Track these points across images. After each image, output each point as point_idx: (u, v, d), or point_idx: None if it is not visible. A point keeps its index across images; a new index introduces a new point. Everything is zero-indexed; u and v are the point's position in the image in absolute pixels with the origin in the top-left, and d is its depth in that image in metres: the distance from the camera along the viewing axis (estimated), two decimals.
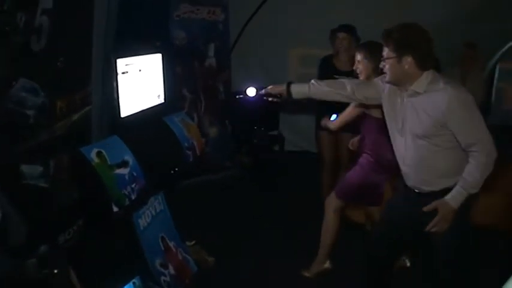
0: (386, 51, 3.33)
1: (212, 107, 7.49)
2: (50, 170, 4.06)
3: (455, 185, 3.30)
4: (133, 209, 4.07)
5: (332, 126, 4.81)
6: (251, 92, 4.11)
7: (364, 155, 4.51)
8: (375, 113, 4.26)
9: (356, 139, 4.88)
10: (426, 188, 3.44)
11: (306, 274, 4.83)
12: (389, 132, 3.60)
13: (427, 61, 3.28)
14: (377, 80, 3.72)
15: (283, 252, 5.22)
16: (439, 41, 5.66)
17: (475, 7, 7.17)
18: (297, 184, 7.04)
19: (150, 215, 4.40)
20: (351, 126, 4.78)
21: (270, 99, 3.99)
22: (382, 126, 3.86)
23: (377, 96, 3.67)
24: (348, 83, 3.79)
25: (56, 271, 3.32)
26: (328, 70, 5.91)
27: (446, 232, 3.37)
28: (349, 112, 4.61)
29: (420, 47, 3.24)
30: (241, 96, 4.20)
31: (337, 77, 5.68)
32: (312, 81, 3.84)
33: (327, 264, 4.83)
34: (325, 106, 5.78)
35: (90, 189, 3.74)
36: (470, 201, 3.33)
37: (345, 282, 4.65)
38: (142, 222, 4.29)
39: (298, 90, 3.86)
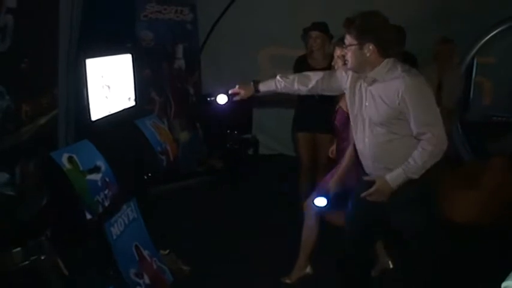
0: (348, 39, 3.40)
1: (182, 111, 7.43)
2: (16, 177, 3.99)
3: None
4: (106, 217, 4.00)
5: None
6: (222, 99, 4.11)
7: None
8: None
9: (334, 147, 4.87)
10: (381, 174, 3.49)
11: (287, 281, 4.78)
12: (351, 121, 3.68)
13: (389, 48, 3.36)
14: (340, 71, 3.84)
15: (262, 258, 5.16)
16: (414, 37, 5.78)
17: (450, 2, 7.24)
18: (273, 188, 7.02)
19: (122, 223, 4.32)
20: (329, 127, 4.76)
21: (236, 98, 4.05)
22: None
23: (340, 86, 3.78)
24: (313, 76, 3.92)
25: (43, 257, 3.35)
26: (303, 70, 5.91)
27: (409, 221, 3.49)
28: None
29: (382, 35, 3.32)
30: (212, 99, 4.19)
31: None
32: (278, 77, 3.94)
33: (308, 270, 4.80)
34: (304, 106, 5.82)
35: (61, 196, 3.67)
36: (428, 189, 3.46)
37: (326, 287, 4.63)
38: (115, 230, 4.21)
39: (266, 88, 3.99)
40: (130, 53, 4.82)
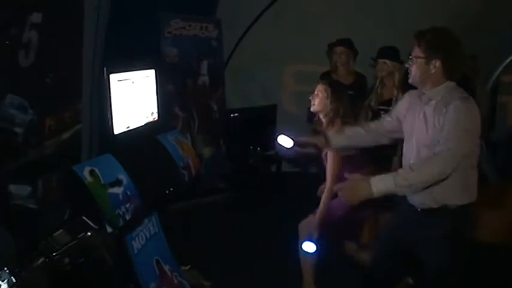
0: (416, 51, 3.33)
1: (206, 126, 7.47)
2: (38, 190, 4.04)
3: (456, 204, 3.31)
4: (127, 230, 4.03)
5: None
6: (286, 142, 4.03)
7: None
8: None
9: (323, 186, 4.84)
10: (427, 203, 3.40)
11: None
12: (404, 146, 3.59)
13: (455, 70, 3.31)
14: (386, 116, 3.82)
15: (282, 276, 5.16)
16: None
17: (475, 20, 7.22)
18: (295, 206, 6.96)
19: (144, 237, 4.35)
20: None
21: (305, 148, 4.00)
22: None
23: (396, 123, 3.68)
24: (367, 127, 3.89)
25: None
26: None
27: (435, 257, 3.41)
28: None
29: (451, 54, 3.27)
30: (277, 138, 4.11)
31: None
32: (346, 130, 3.91)
33: None
34: None
35: (82, 209, 3.70)
36: (463, 223, 3.36)
37: None
38: (136, 244, 4.24)
39: (337, 139, 3.91)
40: (153, 69, 4.87)
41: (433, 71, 3.28)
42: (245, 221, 6.60)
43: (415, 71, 3.36)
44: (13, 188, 3.70)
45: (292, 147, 4.04)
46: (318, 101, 4.44)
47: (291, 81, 8.57)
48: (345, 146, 3.95)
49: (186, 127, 7.18)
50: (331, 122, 4.40)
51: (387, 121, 3.78)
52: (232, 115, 7.71)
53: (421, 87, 3.41)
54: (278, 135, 4.07)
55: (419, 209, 3.46)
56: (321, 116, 4.50)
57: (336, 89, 4.45)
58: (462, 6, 7.07)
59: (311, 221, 4.55)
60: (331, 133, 3.92)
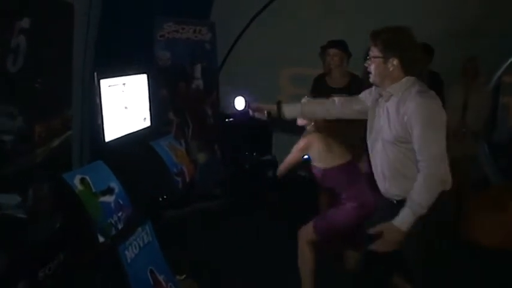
0: (373, 51, 3.43)
1: (200, 132, 7.44)
2: (28, 199, 4.01)
3: None
4: (120, 240, 4.01)
5: (278, 172, 4.80)
6: (240, 103, 4.08)
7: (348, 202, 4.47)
8: (322, 164, 4.41)
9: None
10: (401, 194, 3.44)
11: None
12: (368, 145, 3.69)
13: (413, 66, 3.40)
14: (362, 95, 3.88)
15: (280, 282, 5.14)
16: (441, 56, 5.77)
17: (476, 21, 7.22)
18: (292, 211, 6.97)
19: (137, 246, 4.32)
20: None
21: (257, 115, 4.03)
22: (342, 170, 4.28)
23: (364, 108, 3.80)
24: (337, 100, 3.99)
25: None
26: (321, 89, 5.94)
27: (408, 247, 3.40)
28: (293, 156, 4.65)
29: (407, 51, 3.36)
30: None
31: (333, 95, 5.74)
32: (303, 99, 4.04)
33: None
34: None
35: (73, 219, 3.68)
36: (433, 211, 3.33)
37: None
38: (129, 254, 4.21)
39: (290, 109, 4.05)
40: (146, 73, 4.85)
41: (391, 69, 3.38)
42: (241, 228, 6.58)
43: (374, 70, 3.46)
44: (1, 198, 3.66)
45: (244, 109, 4.07)
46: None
47: (288, 84, 8.55)
48: (298, 116, 4.13)
49: (180, 132, 7.15)
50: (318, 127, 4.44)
51: (358, 100, 3.89)
52: (227, 120, 7.69)
53: (382, 85, 3.49)
54: (236, 97, 4.11)
55: (395, 201, 3.52)
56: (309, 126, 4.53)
57: None
58: (463, 7, 7.07)
59: (309, 230, 4.55)
60: (285, 104, 4.04)
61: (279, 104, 4.02)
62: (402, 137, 3.33)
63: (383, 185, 3.59)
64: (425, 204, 3.22)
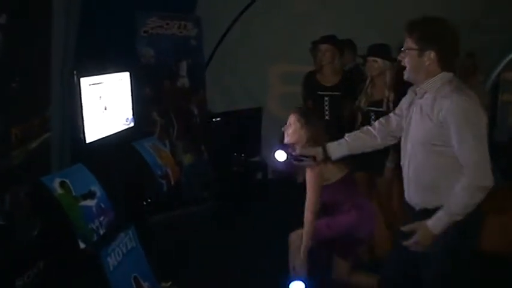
0: (408, 42, 3.31)
1: (186, 132, 7.46)
2: (5, 204, 4.01)
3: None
4: (102, 245, 4.01)
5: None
6: (281, 156, 4.01)
7: (350, 210, 4.45)
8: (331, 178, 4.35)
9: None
10: (420, 204, 3.41)
11: None
12: (401, 146, 3.58)
13: (450, 60, 3.28)
14: (399, 107, 3.73)
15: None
16: None
17: (475, 17, 7.27)
18: (282, 215, 6.96)
19: (120, 252, 4.33)
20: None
21: (301, 161, 3.95)
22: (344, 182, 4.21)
23: (400, 124, 3.66)
24: (373, 127, 3.85)
25: None
26: (312, 87, 5.97)
27: (434, 263, 3.35)
28: (314, 195, 4.40)
29: (445, 43, 3.24)
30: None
31: (320, 93, 5.76)
32: (346, 137, 3.88)
33: None
34: None
35: (53, 224, 3.69)
36: (466, 227, 3.25)
37: None
38: (112, 261, 4.21)
39: (337, 150, 3.88)
40: (128, 71, 4.86)
41: (427, 63, 3.25)
42: (229, 232, 6.60)
43: (408, 64, 3.34)
44: None
45: (286, 160, 4.01)
46: (291, 131, 4.44)
47: (277, 82, 8.59)
48: (347, 155, 3.89)
49: (165, 133, 7.17)
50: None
51: (394, 118, 3.74)
52: (214, 119, 7.71)
53: (416, 81, 3.38)
54: (275, 151, 4.05)
55: (417, 209, 3.45)
56: (297, 146, 4.50)
57: (309, 117, 4.45)
58: (462, 4, 7.13)
59: (300, 236, 4.55)
60: (330, 144, 3.89)
61: (324, 147, 3.88)
62: (435, 138, 3.22)
63: (407, 190, 3.50)
64: (460, 212, 3.15)
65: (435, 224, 3.20)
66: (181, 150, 7.38)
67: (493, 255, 5.44)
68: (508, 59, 7.76)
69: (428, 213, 3.30)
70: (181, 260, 5.63)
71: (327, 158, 3.89)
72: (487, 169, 3.14)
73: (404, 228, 3.36)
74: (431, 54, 3.23)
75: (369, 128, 3.88)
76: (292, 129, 4.43)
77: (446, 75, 3.26)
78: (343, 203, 4.46)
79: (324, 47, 5.89)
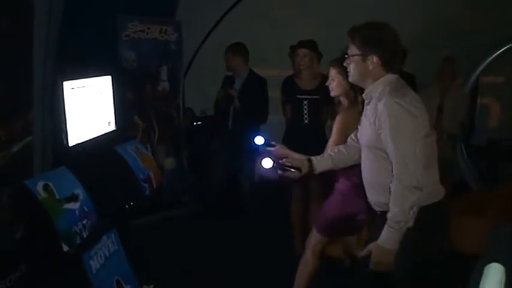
0: (351, 49, 3.36)
1: (167, 136, 7.46)
2: None
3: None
4: (85, 248, 4.01)
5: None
6: (267, 163, 4.00)
7: (341, 179, 4.52)
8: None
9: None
10: (377, 205, 3.45)
11: None
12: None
13: (393, 63, 3.32)
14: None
15: None
16: (418, 56, 5.86)
17: (455, 21, 7.35)
18: (265, 219, 7.00)
19: (103, 255, 4.33)
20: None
21: (286, 171, 3.93)
22: None
23: None
24: (347, 144, 3.87)
25: None
26: (291, 91, 6.02)
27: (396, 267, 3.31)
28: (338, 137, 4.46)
29: (387, 47, 3.27)
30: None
31: (299, 97, 5.80)
32: (329, 151, 3.93)
33: None
34: (291, 129, 5.88)
35: (36, 227, 3.68)
36: (426, 227, 3.27)
37: None
38: (95, 263, 4.21)
39: (322, 164, 3.87)
40: (110, 75, 4.85)
41: (371, 67, 3.29)
42: (211, 237, 6.60)
43: (353, 69, 3.38)
44: None
45: (272, 167, 4.00)
46: (336, 84, 4.47)
47: None
48: (330, 169, 3.90)
49: (146, 137, 7.17)
50: (354, 101, 4.42)
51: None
52: (195, 123, 7.71)
53: (363, 86, 3.43)
54: (262, 158, 4.04)
55: (378, 212, 3.48)
56: (341, 98, 4.53)
57: None
58: (442, 8, 7.20)
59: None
60: (314, 158, 3.86)
61: (309, 161, 3.84)
62: (376, 142, 3.26)
63: (366, 191, 3.54)
64: (398, 219, 3.14)
65: (385, 239, 3.21)
66: (162, 154, 7.38)
67: (471, 256, 5.49)
68: (486, 62, 7.83)
69: (384, 215, 3.30)
70: (162, 262, 5.63)
71: (312, 171, 3.87)
72: (415, 171, 3.13)
73: (361, 254, 3.39)
74: (374, 59, 3.27)
75: (351, 142, 3.87)
76: (336, 82, 4.45)
77: (389, 77, 3.31)
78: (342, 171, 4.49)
79: (302, 51, 5.92)
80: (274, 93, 6.49)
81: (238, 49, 6.78)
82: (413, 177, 3.13)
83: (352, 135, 3.85)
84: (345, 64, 3.47)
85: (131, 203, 4.58)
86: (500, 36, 7.66)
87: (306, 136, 5.72)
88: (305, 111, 5.94)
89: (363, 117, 3.50)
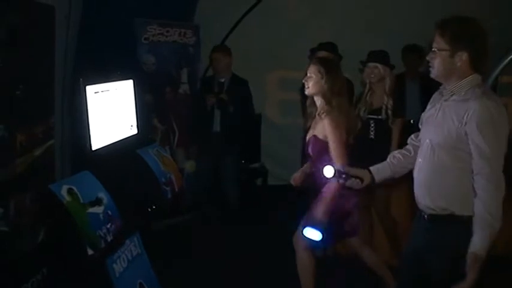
0: (439, 43, 3.19)
1: (187, 138, 7.43)
2: (10, 211, 3.99)
3: (460, 212, 3.14)
4: (109, 252, 3.99)
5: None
6: (329, 172, 3.94)
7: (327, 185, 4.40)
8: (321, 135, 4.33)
9: (298, 174, 4.84)
10: (430, 209, 3.28)
11: None
12: (420, 146, 3.47)
13: (482, 61, 3.18)
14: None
15: None
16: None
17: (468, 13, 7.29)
18: (283, 221, 6.94)
19: (126, 259, 4.32)
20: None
21: (348, 184, 3.86)
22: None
23: None
24: (409, 145, 3.73)
25: None
26: None
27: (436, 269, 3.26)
28: (340, 143, 4.36)
29: (478, 44, 3.14)
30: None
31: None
32: (389, 158, 3.74)
33: None
34: None
35: (60, 231, 3.67)
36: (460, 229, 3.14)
37: None
38: (118, 267, 4.20)
39: (381, 173, 3.72)
40: (131, 79, 4.83)
41: (458, 64, 3.13)
42: (232, 238, 6.57)
43: (438, 65, 3.20)
44: None
45: (333, 177, 3.92)
46: (312, 83, 4.40)
47: (275, 88, 8.57)
48: (389, 177, 3.74)
49: (166, 140, 7.15)
50: (328, 103, 4.34)
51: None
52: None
53: (445, 82, 3.26)
54: (324, 166, 3.97)
55: (425, 216, 3.33)
56: (316, 98, 4.45)
57: (329, 68, 4.40)
58: (459, 7, 7.12)
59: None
60: (373, 168, 3.71)
61: (369, 170, 3.69)
62: (456, 142, 3.11)
63: (418, 191, 3.37)
64: (495, 220, 2.99)
65: (481, 246, 3.03)
66: (182, 157, 7.35)
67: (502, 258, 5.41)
68: (505, 62, 7.73)
69: (436, 219, 3.24)
70: (185, 266, 5.61)
71: (373, 182, 3.74)
72: (501, 176, 3.02)
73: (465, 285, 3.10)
74: (464, 56, 3.12)
75: (407, 148, 3.73)
76: (313, 80, 4.38)
77: (476, 77, 3.16)
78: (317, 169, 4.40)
79: (321, 54, 5.82)
80: (293, 96, 6.45)
81: (227, 50, 6.75)
82: (501, 180, 3.03)
83: (412, 136, 3.72)
84: (428, 58, 3.30)
85: (154, 206, 4.56)
86: None
87: None
88: None
89: (433, 115, 3.29)
